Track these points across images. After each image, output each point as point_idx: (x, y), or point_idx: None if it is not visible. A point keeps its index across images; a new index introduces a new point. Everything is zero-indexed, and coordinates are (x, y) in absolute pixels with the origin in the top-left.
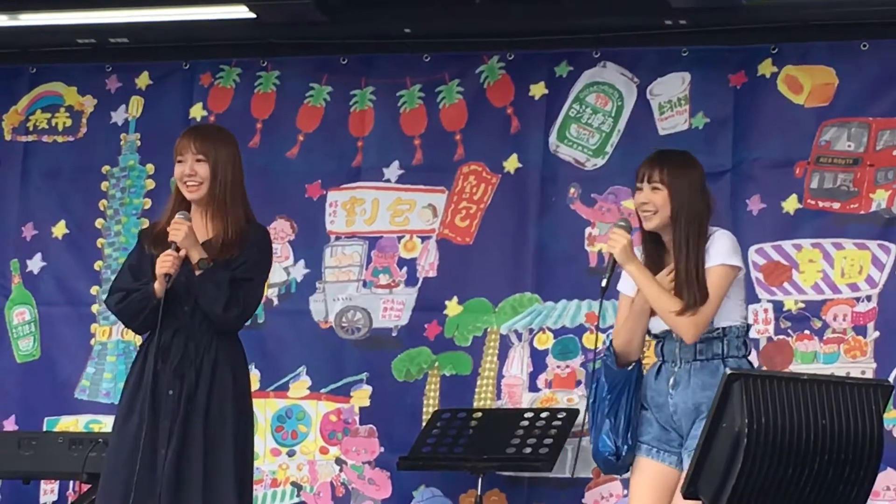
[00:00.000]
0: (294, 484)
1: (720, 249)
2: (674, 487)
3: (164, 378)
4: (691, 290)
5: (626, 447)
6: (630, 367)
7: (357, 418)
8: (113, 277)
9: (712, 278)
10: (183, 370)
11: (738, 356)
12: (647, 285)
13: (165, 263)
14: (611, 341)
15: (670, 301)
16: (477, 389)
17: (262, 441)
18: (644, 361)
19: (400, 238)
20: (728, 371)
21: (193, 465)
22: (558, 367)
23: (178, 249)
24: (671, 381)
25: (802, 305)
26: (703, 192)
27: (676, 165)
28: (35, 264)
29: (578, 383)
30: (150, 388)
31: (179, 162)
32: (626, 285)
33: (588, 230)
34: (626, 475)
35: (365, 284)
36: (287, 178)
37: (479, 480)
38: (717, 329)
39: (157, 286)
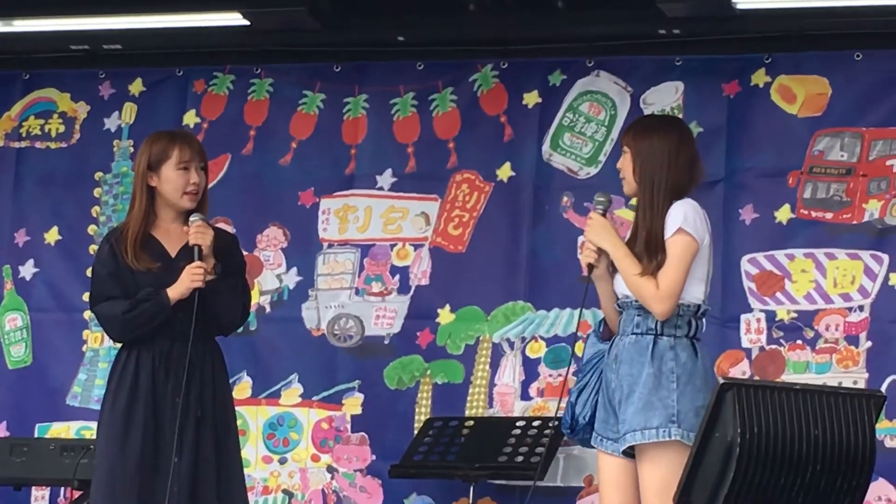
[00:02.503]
0: (285, 491)
1: (675, 219)
2: (632, 476)
3: (165, 386)
4: (649, 254)
5: (583, 421)
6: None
7: (349, 426)
8: None
9: (669, 248)
10: (190, 377)
11: (674, 334)
12: (615, 253)
13: (198, 277)
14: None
15: (633, 265)
16: (469, 398)
17: (254, 448)
18: None
19: (392, 246)
20: (721, 380)
21: (207, 470)
22: (550, 375)
23: (200, 256)
24: (614, 354)
25: (795, 315)
26: (675, 158)
27: (643, 128)
28: (27, 270)
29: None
30: (150, 397)
31: (184, 170)
32: None
33: (581, 239)
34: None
35: (357, 292)
36: (280, 185)
37: (471, 489)
38: None
39: (174, 296)
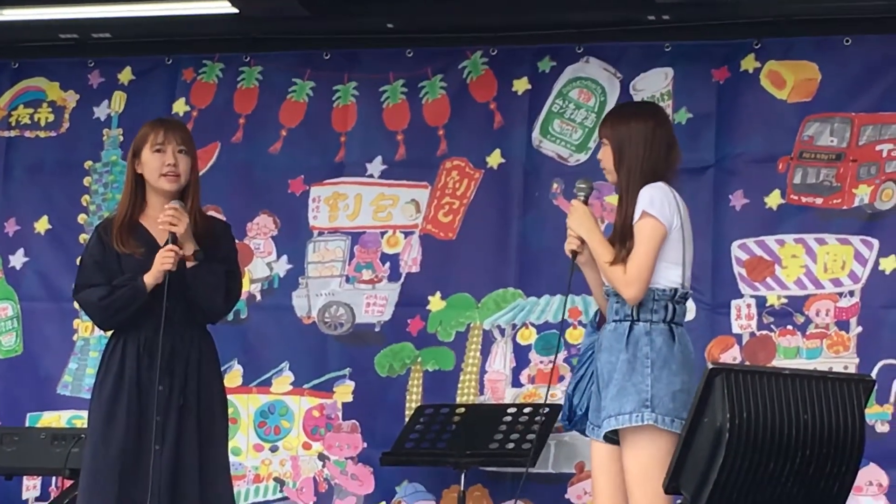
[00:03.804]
0: (277, 479)
1: (641, 203)
2: (619, 462)
3: (150, 374)
4: (620, 240)
5: (580, 412)
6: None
7: (340, 414)
8: None
9: (636, 233)
10: (173, 365)
11: (650, 319)
12: (590, 241)
13: (168, 260)
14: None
15: (605, 252)
16: (460, 385)
17: (245, 436)
18: None
19: (383, 233)
20: (710, 365)
21: (189, 459)
22: (541, 362)
23: (175, 241)
24: (599, 342)
25: (785, 301)
26: (650, 143)
27: (618, 116)
28: (17, 260)
29: (562, 378)
30: (135, 384)
31: (158, 152)
32: None
33: None
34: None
35: (348, 280)
36: (270, 173)
37: (463, 476)
38: None
39: (149, 281)
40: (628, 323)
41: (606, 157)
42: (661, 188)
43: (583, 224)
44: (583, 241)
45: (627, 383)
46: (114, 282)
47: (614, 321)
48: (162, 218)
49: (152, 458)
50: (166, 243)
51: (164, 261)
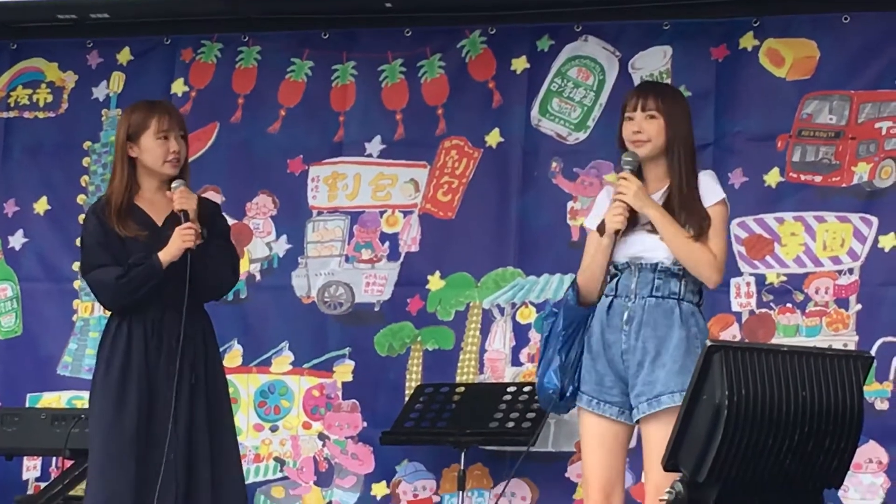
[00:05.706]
0: (277, 459)
1: (715, 188)
2: (623, 441)
3: (158, 356)
4: (692, 216)
5: (571, 387)
6: (589, 307)
7: (340, 393)
8: None
9: (714, 218)
10: (182, 345)
11: (692, 301)
12: (661, 218)
13: (189, 236)
14: (575, 278)
15: (681, 229)
16: (459, 364)
17: (245, 416)
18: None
19: (382, 213)
20: (708, 343)
21: (202, 437)
22: (541, 341)
23: (187, 220)
24: (625, 315)
25: (784, 279)
26: (691, 125)
27: (670, 94)
28: (17, 240)
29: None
30: (144, 367)
31: (163, 138)
32: (593, 222)
33: (570, 204)
34: (564, 415)
35: (347, 259)
36: (269, 153)
37: (463, 455)
38: (680, 266)
39: (166, 259)
40: (674, 300)
41: (653, 130)
42: (714, 173)
43: (647, 201)
44: (626, 218)
45: (688, 361)
46: (130, 260)
47: (654, 297)
48: (176, 197)
49: (166, 438)
50: (166, 223)
51: (185, 238)
